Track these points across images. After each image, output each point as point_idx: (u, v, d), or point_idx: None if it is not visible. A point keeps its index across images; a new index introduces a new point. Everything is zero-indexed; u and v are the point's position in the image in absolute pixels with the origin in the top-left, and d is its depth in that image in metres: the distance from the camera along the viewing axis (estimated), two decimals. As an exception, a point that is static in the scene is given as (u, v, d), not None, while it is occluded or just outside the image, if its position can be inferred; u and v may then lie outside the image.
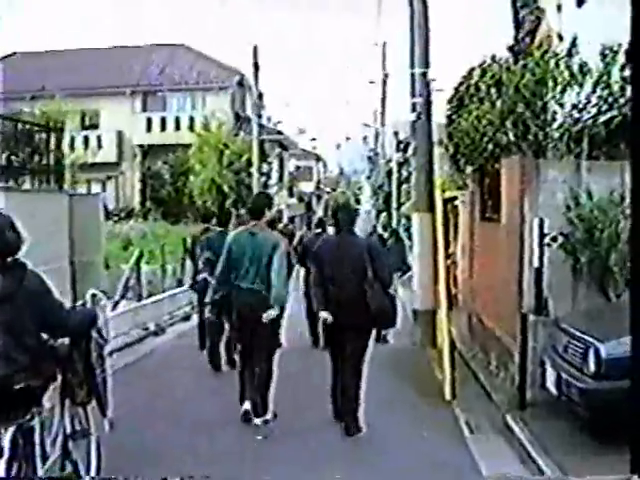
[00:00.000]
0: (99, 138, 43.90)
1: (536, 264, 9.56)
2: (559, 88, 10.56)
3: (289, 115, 72.29)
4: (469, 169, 13.78)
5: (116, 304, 16.91)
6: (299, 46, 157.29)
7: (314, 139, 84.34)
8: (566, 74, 10.53)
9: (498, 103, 11.16)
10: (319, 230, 14.58)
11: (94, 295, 6.38)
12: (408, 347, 14.71)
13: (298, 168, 70.92)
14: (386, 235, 16.19)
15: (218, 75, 44.17)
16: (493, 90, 11.65)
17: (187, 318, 19.36)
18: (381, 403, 9.97)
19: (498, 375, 11.35)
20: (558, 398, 8.39)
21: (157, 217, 39.34)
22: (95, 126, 44.59)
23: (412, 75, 14.61)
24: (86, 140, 43.01)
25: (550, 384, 8.59)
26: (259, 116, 46.69)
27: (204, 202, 38.00)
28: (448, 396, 10.31)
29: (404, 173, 42.51)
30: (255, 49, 31.49)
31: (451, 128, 13.79)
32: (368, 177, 77.70)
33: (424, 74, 14.45)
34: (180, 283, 22.16)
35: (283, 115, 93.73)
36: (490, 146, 11.57)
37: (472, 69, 13.35)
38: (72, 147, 40.94)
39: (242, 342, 9.47)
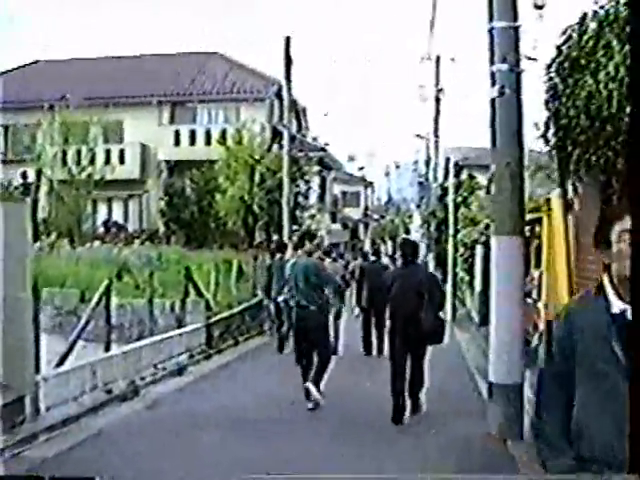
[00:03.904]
0: (122, 152, 39.85)
1: None
2: None
3: (337, 139, 68.30)
4: (582, 170, 8.89)
5: (65, 356, 12.26)
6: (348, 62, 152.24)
7: (362, 168, 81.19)
8: None
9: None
10: (374, 258, 19.38)
11: None
12: (479, 437, 9.81)
13: (344, 193, 66.98)
14: None
15: (254, 85, 39.81)
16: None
17: (180, 372, 14.71)
18: None
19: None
20: None
21: (180, 241, 34.91)
22: (118, 139, 40.35)
23: (490, 32, 9.85)
24: (108, 154, 39.03)
25: None
26: (300, 130, 42.33)
27: (234, 223, 33.65)
28: None
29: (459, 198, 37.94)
30: (288, 40, 26.66)
31: (554, 106, 8.97)
32: (418, 205, 73.53)
33: (510, 29, 9.67)
34: (180, 323, 17.50)
35: (331, 139, 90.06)
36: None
37: (585, 15, 8.70)
38: (92, 161, 37.35)
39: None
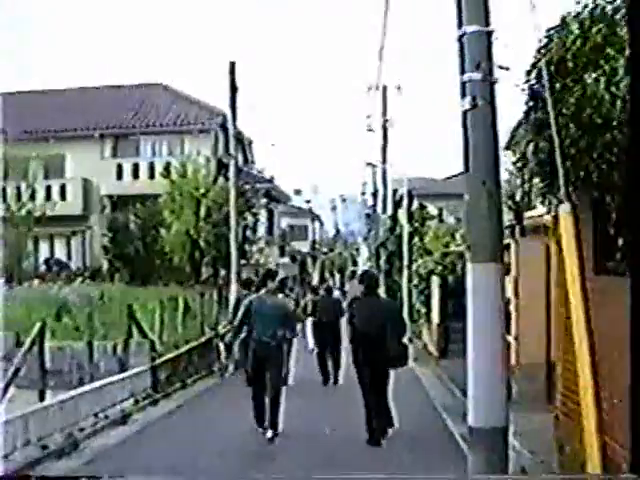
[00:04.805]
0: (63, 187, 38.50)
1: None
2: None
3: (284, 172, 67.31)
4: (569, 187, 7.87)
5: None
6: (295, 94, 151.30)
7: (308, 201, 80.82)
8: None
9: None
10: (326, 294, 19.91)
11: None
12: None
13: (292, 227, 66.22)
14: None
15: (198, 116, 38.71)
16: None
17: (124, 420, 13.52)
18: None
19: None
20: None
21: (124, 278, 33.60)
22: (59, 173, 39.00)
23: (460, 40, 8.90)
24: (48, 190, 37.74)
25: None
26: (247, 163, 41.28)
27: (180, 259, 32.46)
28: None
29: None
30: (232, 65, 25.56)
31: (537, 118, 8.02)
32: (365, 238, 73.22)
33: (482, 34, 8.74)
34: (123, 366, 16.29)
35: (276, 173, 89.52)
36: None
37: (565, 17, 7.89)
38: (32, 197, 36.02)
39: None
